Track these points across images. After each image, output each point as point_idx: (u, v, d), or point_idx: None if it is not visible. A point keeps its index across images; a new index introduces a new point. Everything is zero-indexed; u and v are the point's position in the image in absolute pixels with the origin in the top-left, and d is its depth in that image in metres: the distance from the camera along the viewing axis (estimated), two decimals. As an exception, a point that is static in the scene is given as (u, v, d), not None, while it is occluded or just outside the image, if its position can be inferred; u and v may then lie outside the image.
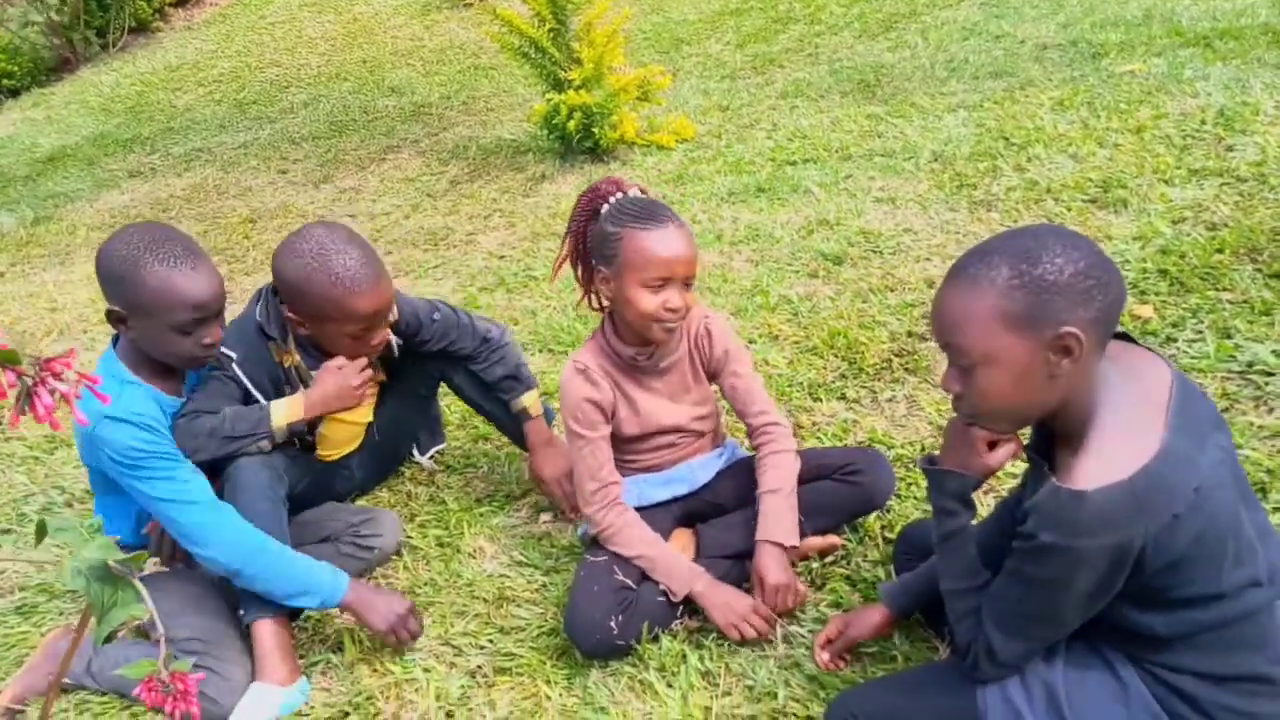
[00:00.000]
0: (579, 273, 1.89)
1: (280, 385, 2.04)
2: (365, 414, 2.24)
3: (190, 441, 1.85)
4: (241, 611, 1.86)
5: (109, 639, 1.03)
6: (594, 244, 1.80)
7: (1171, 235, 2.82)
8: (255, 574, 1.80)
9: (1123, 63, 4.40)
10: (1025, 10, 5.74)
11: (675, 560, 1.84)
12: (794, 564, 1.93)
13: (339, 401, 1.99)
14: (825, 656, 1.69)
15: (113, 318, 1.79)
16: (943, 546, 1.45)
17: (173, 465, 1.79)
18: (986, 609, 1.34)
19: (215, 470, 1.91)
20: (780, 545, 1.79)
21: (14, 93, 9.35)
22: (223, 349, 1.96)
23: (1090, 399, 1.22)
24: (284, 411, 1.95)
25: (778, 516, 1.82)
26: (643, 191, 1.81)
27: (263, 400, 1.98)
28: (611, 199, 1.78)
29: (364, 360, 2.02)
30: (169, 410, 1.88)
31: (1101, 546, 1.14)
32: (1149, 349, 1.30)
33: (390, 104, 6.74)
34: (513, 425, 2.32)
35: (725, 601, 1.77)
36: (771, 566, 1.77)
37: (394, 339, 2.13)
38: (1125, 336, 1.32)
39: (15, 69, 9.45)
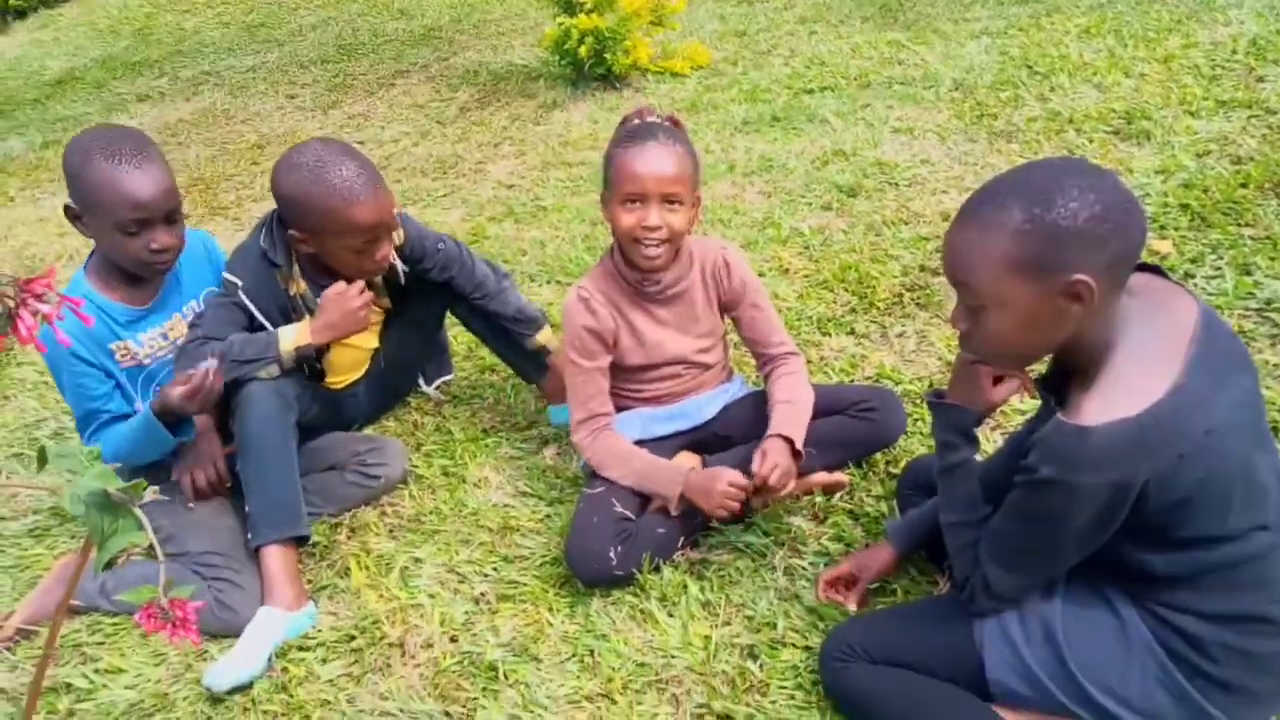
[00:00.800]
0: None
1: (288, 313, 2.03)
2: (371, 339, 2.24)
3: (186, 361, 1.87)
4: (249, 535, 1.88)
5: (109, 566, 1.04)
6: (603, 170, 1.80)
7: (1195, 169, 2.75)
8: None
9: (1154, -12, 4.25)
10: (1055, -68, 5.53)
11: (658, 468, 1.84)
12: (798, 497, 1.93)
13: (344, 326, 1.99)
14: (852, 601, 1.67)
15: (69, 213, 1.83)
16: (944, 479, 1.45)
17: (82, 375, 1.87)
18: (985, 543, 1.34)
19: (226, 396, 1.92)
20: (788, 440, 1.78)
21: (20, 13, 9.21)
22: (228, 275, 1.96)
23: (1106, 336, 1.20)
24: (292, 337, 1.95)
25: (789, 419, 1.82)
26: (672, 120, 1.79)
27: (270, 327, 1.98)
28: (630, 124, 1.78)
29: (362, 284, 2.00)
30: (124, 320, 1.93)
31: (1101, 483, 1.13)
32: (1177, 283, 1.27)
33: (400, 27, 6.60)
34: (518, 359, 2.31)
35: (704, 490, 1.76)
36: (773, 448, 1.77)
37: (400, 264, 2.12)
38: (1154, 269, 1.28)
39: (21, -12, 9.30)
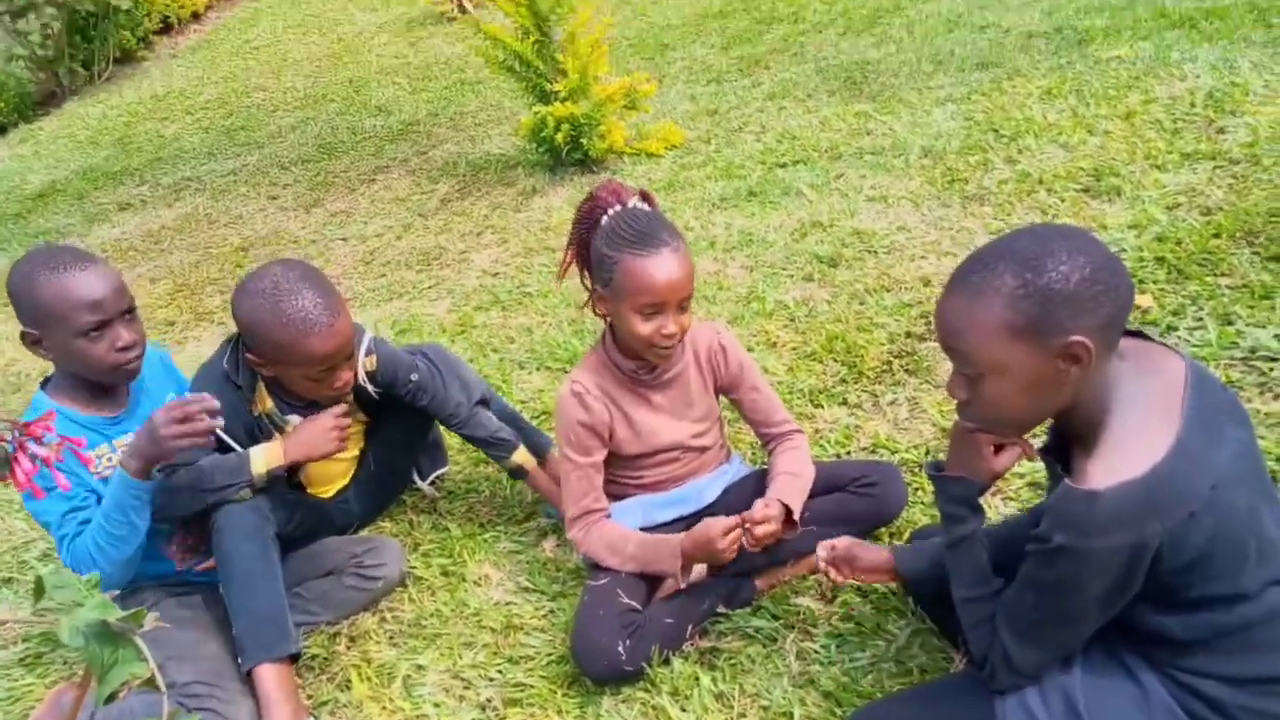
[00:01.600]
0: (583, 277, 1.86)
1: (254, 433, 2.01)
2: (350, 450, 2.22)
3: (169, 499, 1.84)
4: (239, 660, 1.84)
5: (110, 699, 1.00)
6: (594, 262, 1.77)
7: (1167, 222, 2.80)
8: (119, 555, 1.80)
9: (1109, 48, 4.38)
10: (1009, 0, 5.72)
11: (654, 546, 1.82)
12: (804, 577, 1.91)
13: (318, 448, 1.97)
14: (829, 564, 1.70)
15: (27, 340, 1.81)
16: (953, 553, 1.43)
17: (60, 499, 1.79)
18: (1001, 616, 1.31)
19: (203, 518, 1.90)
20: (785, 506, 1.78)
21: (1, 129, 9.33)
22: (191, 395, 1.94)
23: (1102, 399, 1.21)
24: (263, 458, 1.92)
25: (789, 488, 1.83)
26: (644, 197, 1.77)
27: (238, 449, 1.95)
28: (610, 211, 1.74)
29: (341, 408, 2.00)
30: (103, 430, 1.89)
31: (1115, 547, 1.12)
32: (1162, 344, 1.28)
33: (378, 123, 6.72)
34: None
35: (705, 543, 1.74)
36: (771, 505, 1.76)
37: (371, 387, 2.10)
38: (1137, 333, 1.30)
39: (2, 105, 9.43)
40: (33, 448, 0.83)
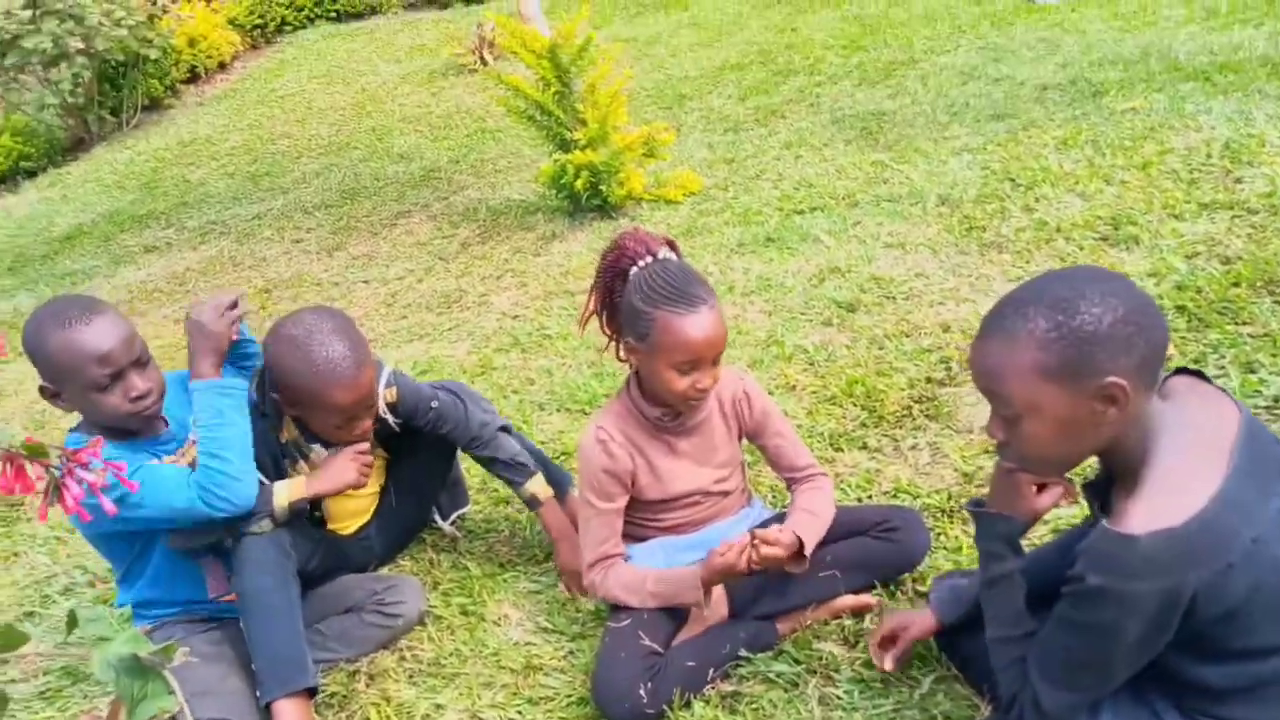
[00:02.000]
0: (603, 324, 1.88)
1: (279, 460, 2.05)
2: (371, 487, 2.25)
3: (193, 526, 1.86)
4: (258, 694, 1.84)
5: None
6: (625, 314, 1.77)
7: (1186, 271, 2.81)
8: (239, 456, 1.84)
9: (1123, 100, 4.43)
10: (1022, 52, 5.80)
11: (673, 580, 1.81)
12: (826, 621, 1.90)
13: (341, 483, 2.00)
14: (889, 662, 1.67)
15: (46, 394, 1.83)
16: (989, 592, 1.42)
17: (149, 472, 1.81)
18: (1033, 658, 1.30)
19: (221, 552, 1.93)
20: (798, 538, 1.77)
21: (31, 174, 9.53)
22: None
23: (1146, 440, 1.21)
24: (285, 492, 1.95)
25: (806, 524, 1.81)
26: (671, 246, 1.77)
27: (262, 478, 1.96)
28: (640, 263, 1.74)
29: (364, 445, 2.03)
30: (152, 447, 1.90)
31: (1150, 591, 1.12)
32: (1219, 388, 1.28)
33: (400, 170, 6.83)
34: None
35: (723, 567, 1.74)
36: (785, 534, 1.76)
37: (392, 419, 2.13)
38: (1196, 374, 1.30)
39: (32, 150, 9.65)
40: (80, 473, 0.85)
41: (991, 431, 1.30)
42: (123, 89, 10.14)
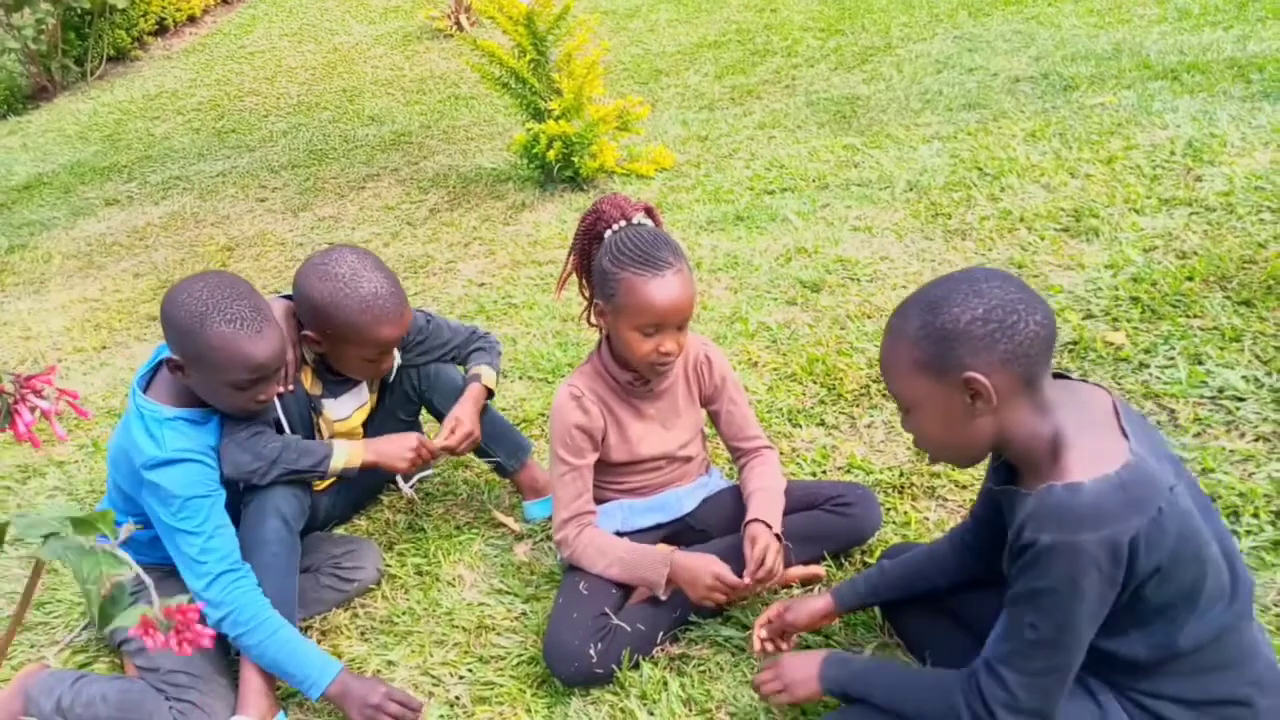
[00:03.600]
0: (581, 288, 1.88)
1: (307, 413, 2.07)
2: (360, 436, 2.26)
3: (252, 460, 1.86)
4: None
5: (105, 616, 0.97)
6: (596, 276, 1.78)
7: (1143, 263, 2.87)
8: (249, 645, 1.78)
9: (1093, 95, 4.49)
10: (998, 44, 5.85)
11: (642, 555, 1.83)
12: (776, 590, 1.93)
13: (393, 460, 2.04)
14: (762, 634, 1.70)
15: (170, 365, 1.79)
16: (881, 690, 1.45)
17: (213, 508, 1.79)
18: (994, 650, 1.28)
19: (239, 492, 1.93)
20: (768, 525, 1.81)
21: (-10, 120, 9.29)
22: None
23: (1047, 424, 1.26)
24: (344, 457, 1.97)
25: (768, 504, 1.85)
26: (648, 212, 1.78)
27: (286, 425, 2.01)
28: (615, 226, 1.75)
29: (420, 436, 2.08)
30: (203, 423, 1.86)
31: (1099, 540, 1.15)
32: (1088, 382, 1.37)
33: (370, 133, 6.75)
34: (495, 457, 2.31)
35: (691, 577, 1.77)
36: (759, 533, 1.79)
37: (396, 360, 2.15)
38: (1062, 375, 1.37)
39: (-8, 96, 9.41)
40: (32, 400, 0.85)
41: (903, 426, 1.37)
42: (88, 38, 9.90)
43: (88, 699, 1.84)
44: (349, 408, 2.16)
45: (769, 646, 1.70)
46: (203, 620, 0.90)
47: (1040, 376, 1.26)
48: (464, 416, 2.11)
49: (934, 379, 1.26)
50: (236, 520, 1.89)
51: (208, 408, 1.85)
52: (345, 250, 1.95)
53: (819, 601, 1.69)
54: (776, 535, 1.81)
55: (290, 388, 1.99)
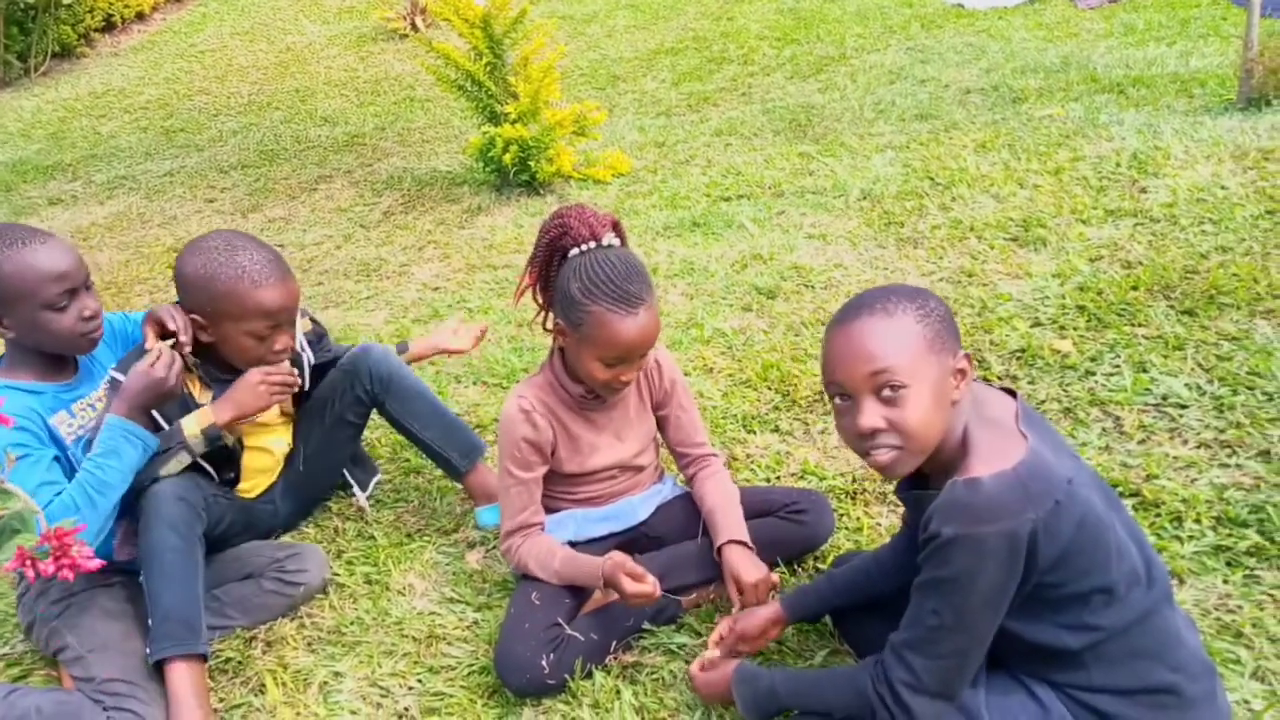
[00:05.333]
0: (536, 295, 1.83)
1: (188, 412, 2.00)
2: (284, 436, 2.23)
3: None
4: (148, 650, 1.79)
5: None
6: (560, 297, 1.72)
7: (1089, 273, 2.92)
8: (107, 496, 1.77)
9: (1042, 107, 4.57)
10: (949, 56, 5.94)
11: (580, 570, 1.81)
12: (728, 598, 1.93)
13: (249, 402, 1.96)
14: (715, 654, 1.69)
15: None
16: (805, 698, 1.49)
17: (33, 468, 1.76)
18: (901, 635, 1.34)
19: (134, 513, 1.88)
20: (745, 544, 1.81)
21: (-74, 116, 8.99)
22: (116, 374, 1.91)
23: (961, 421, 1.35)
24: (194, 421, 1.92)
25: (735, 521, 1.86)
26: (615, 228, 1.72)
27: (161, 420, 1.95)
28: (583, 247, 1.69)
29: (276, 369, 1.99)
30: (58, 395, 1.86)
31: (998, 533, 1.21)
32: (996, 386, 1.44)
33: (322, 134, 6.66)
34: (446, 455, 2.28)
35: (618, 590, 1.74)
36: (745, 564, 1.78)
37: (307, 354, 2.12)
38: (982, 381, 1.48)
39: (-71, 92, 9.12)
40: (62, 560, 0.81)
41: (868, 423, 1.31)
42: (32, 34, 9.64)
43: (22, 712, 1.78)
44: None
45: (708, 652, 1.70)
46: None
47: None
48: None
49: (938, 355, 1.31)
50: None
51: (38, 378, 1.85)
52: (216, 232, 1.95)
53: (768, 611, 1.70)
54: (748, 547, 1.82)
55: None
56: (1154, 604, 1.31)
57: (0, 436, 1.73)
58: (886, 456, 1.34)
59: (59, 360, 1.89)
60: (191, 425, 1.91)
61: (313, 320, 2.25)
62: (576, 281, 1.67)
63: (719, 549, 1.83)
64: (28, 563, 0.90)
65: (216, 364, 2.03)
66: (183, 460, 1.90)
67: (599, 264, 1.66)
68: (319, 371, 2.24)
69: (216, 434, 1.94)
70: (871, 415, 1.31)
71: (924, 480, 1.42)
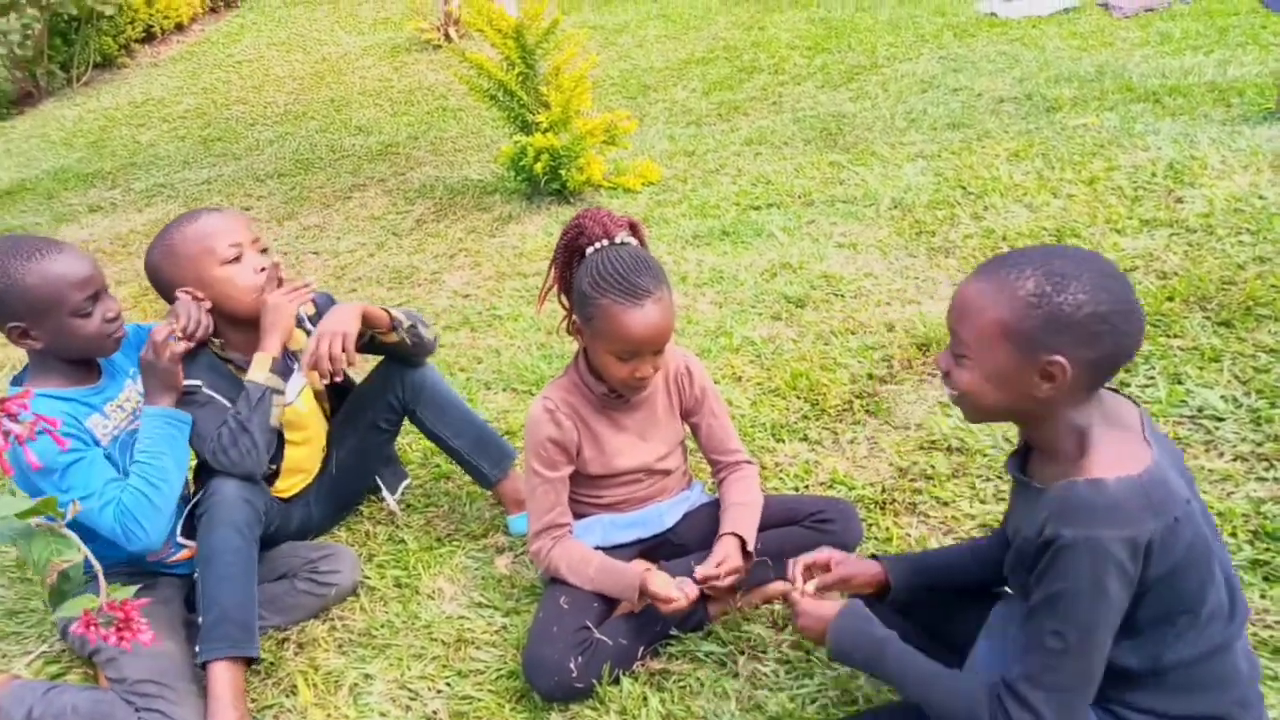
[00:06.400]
0: (560, 299, 1.86)
1: (230, 376, 2.06)
2: (320, 433, 2.28)
3: (232, 460, 1.91)
4: (197, 648, 1.82)
5: (59, 598, 0.97)
6: (575, 296, 1.77)
7: (1124, 283, 2.88)
8: (165, 474, 1.85)
9: (1076, 116, 4.53)
10: (982, 65, 5.90)
11: (616, 575, 1.82)
12: (756, 606, 1.93)
13: (286, 324, 2.02)
14: (798, 570, 1.65)
15: (14, 335, 1.80)
16: (893, 671, 1.43)
17: (89, 468, 1.79)
18: (1019, 668, 1.24)
19: (196, 501, 1.94)
20: (741, 539, 1.81)
21: (-28, 125, 9.22)
22: (186, 381, 1.96)
23: (1086, 420, 1.26)
24: (255, 368, 1.98)
25: (741, 518, 1.86)
26: (632, 228, 1.77)
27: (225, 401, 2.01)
28: (597, 244, 1.73)
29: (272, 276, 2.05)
30: (88, 400, 1.89)
31: (1119, 539, 1.15)
32: (1119, 393, 1.36)
33: (357, 143, 6.74)
34: (477, 464, 2.30)
35: (656, 602, 1.75)
36: (726, 545, 1.80)
37: (307, 326, 2.16)
38: None
39: (-26, 101, 9.35)
40: (6, 424, 0.84)
41: (941, 361, 1.34)
42: (75, 44, 9.86)
43: (59, 709, 1.82)
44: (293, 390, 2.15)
45: (799, 583, 1.65)
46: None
47: (1102, 384, 1.27)
48: (322, 327, 2.00)
49: (1016, 348, 1.22)
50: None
51: (66, 385, 1.88)
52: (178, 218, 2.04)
53: (874, 565, 1.63)
54: (748, 552, 1.81)
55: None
56: (1228, 640, 1.26)
57: (51, 442, 1.75)
58: (950, 395, 1.37)
59: (84, 365, 1.93)
60: (258, 374, 1.97)
61: (316, 303, 2.25)
62: (587, 277, 1.71)
63: (718, 538, 1.83)
64: (91, 626, 0.94)
65: (229, 326, 2.06)
66: (280, 403, 1.99)
67: (609, 259, 1.70)
68: None
69: (283, 365, 2.02)
70: (945, 358, 1.34)
71: (1026, 460, 1.37)
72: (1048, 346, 1.20)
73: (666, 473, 1.99)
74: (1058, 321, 1.19)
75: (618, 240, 1.74)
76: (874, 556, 1.69)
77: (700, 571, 1.77)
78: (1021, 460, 1.39)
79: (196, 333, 1.96)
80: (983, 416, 1.36)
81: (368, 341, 2.16)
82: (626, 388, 1.80)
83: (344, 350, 1.94)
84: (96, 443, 1.86)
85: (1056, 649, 1.20)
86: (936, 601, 1.62)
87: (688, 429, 2.04)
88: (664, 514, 2.00)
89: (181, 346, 1.93)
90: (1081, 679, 1.22)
